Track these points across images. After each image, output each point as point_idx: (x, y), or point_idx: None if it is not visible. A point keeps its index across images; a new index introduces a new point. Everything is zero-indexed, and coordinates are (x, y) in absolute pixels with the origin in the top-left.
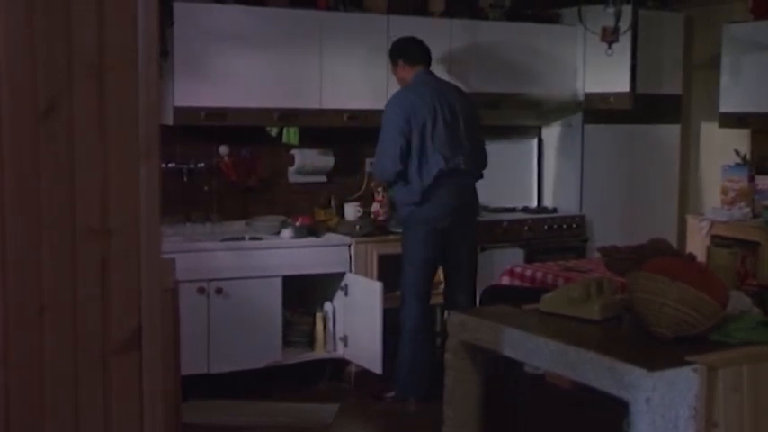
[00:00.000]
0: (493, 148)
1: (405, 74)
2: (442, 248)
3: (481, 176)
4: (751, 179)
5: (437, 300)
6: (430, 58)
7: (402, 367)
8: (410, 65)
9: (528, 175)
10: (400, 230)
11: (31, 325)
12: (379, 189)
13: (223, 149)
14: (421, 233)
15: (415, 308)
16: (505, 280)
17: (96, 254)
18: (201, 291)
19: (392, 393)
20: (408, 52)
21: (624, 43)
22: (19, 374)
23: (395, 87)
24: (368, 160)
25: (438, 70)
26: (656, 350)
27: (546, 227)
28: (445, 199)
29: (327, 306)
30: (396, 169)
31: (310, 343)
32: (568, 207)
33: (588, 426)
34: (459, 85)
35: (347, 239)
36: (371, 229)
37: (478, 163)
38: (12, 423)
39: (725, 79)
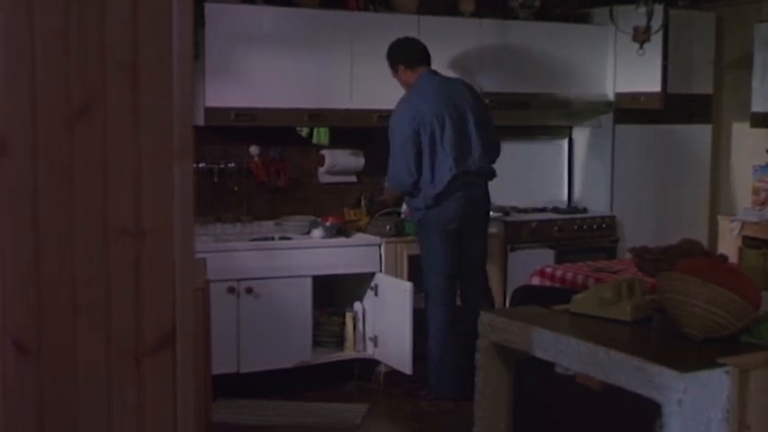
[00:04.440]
0: (523, 149)
1: (407, 77)
2: (457, 249)
3: (493, 174)
4: None
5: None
6: (429, 56)
7: (432, 369)
8: (411, 68)
9: (558, 176)
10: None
11: (65, 325)
12: None
13: (253, 150)
14: (435, 237)
15: (439, 312)
16: (536, 280)
17: (130, 254)
18: (232, 290)
19: (425, 392)
20: (407, 56)
21: (655, 43)
22: (53, 375)
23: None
24: None
25: (468, 70)
26: (688, 351)
27: (576, 227)
28: (455, 201)
29: (357, 306)
30: (412, 180)
31: (340, 343)
32: (599, 207)
33: (619, 428)
34: (490, 84)
35: (377, 239)
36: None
37: (491, 159)
38: (46, 424)
39: (756, 79)
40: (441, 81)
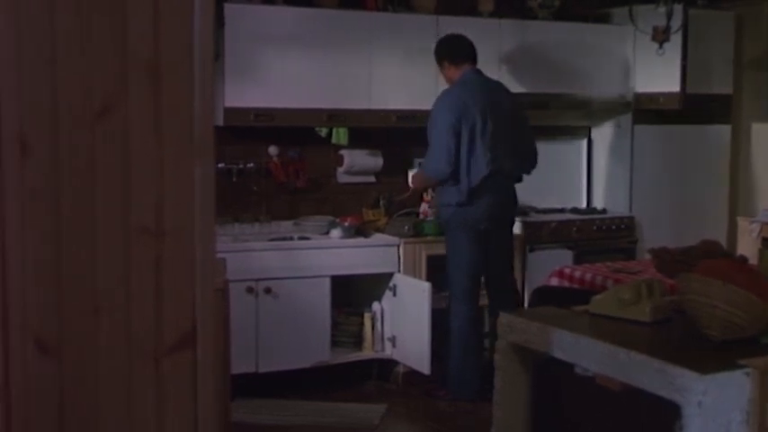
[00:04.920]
0: (542, 149)
1: (451, 74)
2: (484, 250)
3: (520, 179)
4: None
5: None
6: (476, 55)
7: (452, 369)
8: (456, 65)
9: (577, 176)
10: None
11: (85, 325)
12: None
13: (272, 150)
14: (463, 235)
15: (462, 311)
16: (554, 281)
17: (151, 254)
18: (250, 290)
19: (443, 392)
20: (452, 53)
21: (675, 43)
22: (74, 374)
23: (444, 87)
24: (416, 160)
25: (488, 70)
26: (708, 353)
27: (595, 228)
28: (487, 200)
29: (376, 306)
30: (450, 169)
31: (358, 343)
32: (617, 208)
33: (639, 429)
34: (509, 85)
35: (396, 240)
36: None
37: (524, 163)
38: (66, 423)
39: None
40: (485, 80)
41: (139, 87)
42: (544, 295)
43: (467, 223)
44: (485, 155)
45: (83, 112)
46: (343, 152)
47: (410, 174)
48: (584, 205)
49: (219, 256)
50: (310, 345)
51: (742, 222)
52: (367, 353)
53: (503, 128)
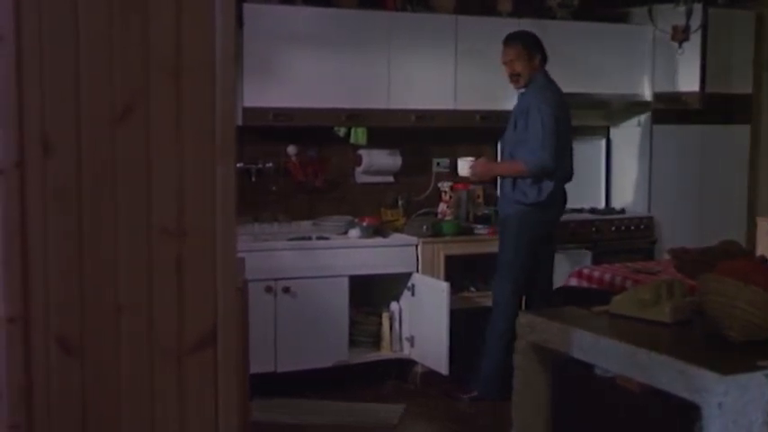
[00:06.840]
0: None
1: (531, 70)
2: (536, 254)
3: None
4: None
5: None
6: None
7: (488, 369)
8: (543, 64)
9: (596, 176)
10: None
11: (107, 324)
12: (446, 189)
13: (291, 149)
14: (528, 237)
15: (512, 311)
16: (573, 281)
17: (172, 254)
18: (269, 290)
19: (474, 394)
20: (544, 51)
21: (694, 42)
22: (96, 373)
23: (463, 87)
24: (435, 160)
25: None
26: (728, 354)
27: (613, 228)
28: (557, 205)
29: (394, 306)
30: (554, 165)
31: (376, 343)
32: (636, 208)
33: (659, 430)
34: None
35: (414, 240)
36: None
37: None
38: (88, 422)
39: None
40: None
41: (161, 88)
42: (563, 296)
43: (533, 224)
44: (566, 158)
45: (105, 113)
46: (361, 152)
47: (460, 162)
48: (602, 205)
49: (239, 255)
50: (329, 344)
51: (761, 222)
52: (385, 353)
53: (570, 132)
